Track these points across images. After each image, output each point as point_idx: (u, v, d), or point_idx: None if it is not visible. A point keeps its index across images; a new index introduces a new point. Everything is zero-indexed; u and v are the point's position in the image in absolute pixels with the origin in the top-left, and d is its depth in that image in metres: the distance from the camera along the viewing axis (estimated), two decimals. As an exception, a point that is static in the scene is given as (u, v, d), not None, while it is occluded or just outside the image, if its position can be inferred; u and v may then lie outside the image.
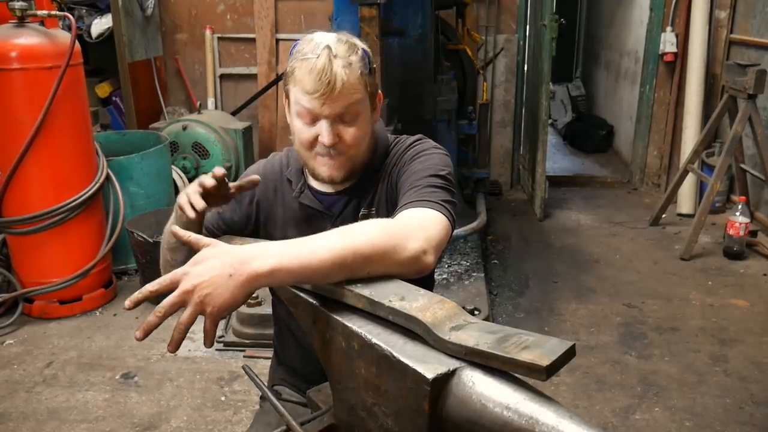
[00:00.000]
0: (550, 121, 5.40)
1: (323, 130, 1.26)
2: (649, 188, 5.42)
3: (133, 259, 3.71)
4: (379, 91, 1.36)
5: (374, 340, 0.91)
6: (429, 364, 0.85)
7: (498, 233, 4.58)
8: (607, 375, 2.87)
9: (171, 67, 5.33)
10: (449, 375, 0.84)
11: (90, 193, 3.34)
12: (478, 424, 0.81)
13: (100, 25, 4.49)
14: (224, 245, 1.00)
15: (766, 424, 2.52)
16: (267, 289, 1.20)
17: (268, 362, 1.71)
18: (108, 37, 4.49)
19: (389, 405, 0.92)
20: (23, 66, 3.07)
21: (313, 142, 1.29)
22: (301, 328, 1.18)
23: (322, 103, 1.22)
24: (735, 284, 3.71)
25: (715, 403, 2.66)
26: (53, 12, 3.21)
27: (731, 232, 3.98)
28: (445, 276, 3.57)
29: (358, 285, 1.01)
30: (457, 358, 0.86)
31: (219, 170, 1.23)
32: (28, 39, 3.09)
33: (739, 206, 3.94)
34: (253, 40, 5.18)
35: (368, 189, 1.39)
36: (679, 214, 4.74)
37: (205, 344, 0.98)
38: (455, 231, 1.30)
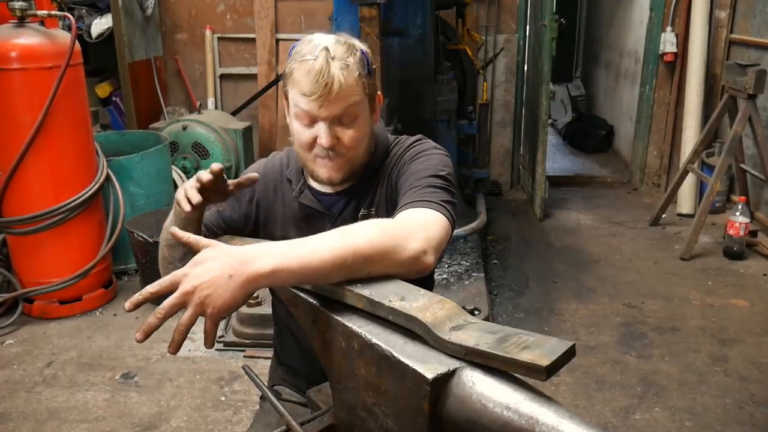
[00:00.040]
0: (550, 121, 5.40)
1: (321, 132, 1.25)
2: (649, 188, 5.42)
3: (133, 259, 3.71)
4: (379, 93, 1.36)
5: (374, 340, 0.91)
6: (429, 364, 0.85)
7: (498, 233, 4.58)
8: (607, 375, 2.87)
9: (171, 67, 5.33)
10: (449, 375, 0.84)
11: (90, 193, 3.34)
12: (478, 424, 0.81)
13: (100, 25, 4.49)
14: (224, 246, 1.00)
15: (766, 424, 2.52)
16: (267, 289, 1.20)
17: (268, 362, 1.71)
18: (108, 37, 4.49)
19: (389, 405, 0.92)
20: (23, 66, 3.07)
21: (312, 143, 1.29)
22: (301, 328, 1.18)
23: (320, 105, 1.22)
24: (735, 284, 3.71)
25: (715, 403, 2.66)
26: (53, 12, 3.21)
27: (731, 232, 3.98)
28: (445, 276, 3.57)
29: (358, 285, 1.01)
30: (457, 358, 0.86)
31: (216, 166, 1.23)
32: (28, 39, 3.10)
33: (739, 206, 3.94)
34: (253, 40, 5.18)
35: (368, 189, 1.39)
36: (679, 214, 4.74)
37: (205, 345, 0.97)
38: (455, 231, 1.30)
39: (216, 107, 5.23)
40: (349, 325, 0.96)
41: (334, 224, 1.26)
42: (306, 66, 1.21)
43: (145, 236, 3.38)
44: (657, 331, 3.22)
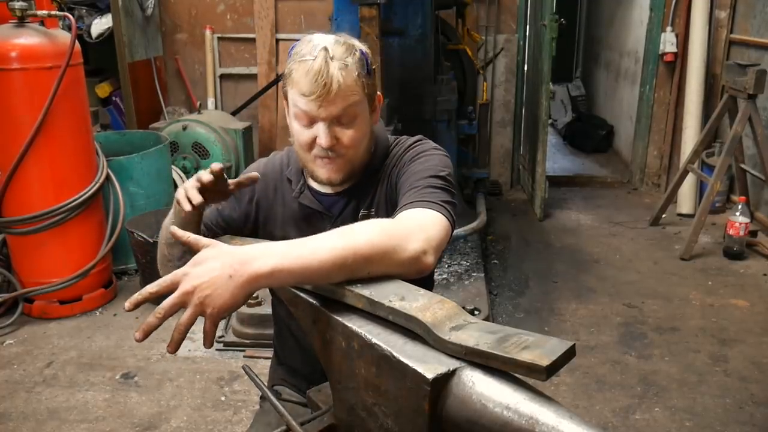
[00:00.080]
0: (550, 121, 5.40)
1: (320, 133, 1.25)
2: (649, 188, 5.42)
3: (133, 259, 3.71)
4: (378, 93, 1.36)
5: (374, 340, 0.91)
6: (429, 364, 0.85)
7: (498, 233, 4.58)
8: (607, 375, 2.87)
9: (171, 67, 5.33)
10: (449, 375, 0.84)
11: (90, 193, 3.34)
12: (478, 424, 0.81)
13: (100, 25, 4.49)
14: (224, 246, 1.00)
15: (766, 424, 2.52)
16: (267, 289, 1.20)
17: (268, 362, 1.71)
18: (108, 37, 4.49)
19: (389, 405, 0.92)
20: (23, 66, 3.07)
21: (311, 144, 1.28)
22: (301, 328, 1.18)
23: (319, 105, 1.22)
24: (735, 284, 3.71)
25: (715, 403, 2.66)
26: (53, 12, 3.21)
27: (731, 232, 3.98)
28: (445, 276, 3.57)
29: (358, 285, 1.01)
30: (457, 358, 0.86)
31: (217, 166, 1.23)
32: (28, 39, 3.10)
33: (739, 206, 3.94)
34: (253, 40, 5.18)
35: (368, 190, 1.39)
36: (679, 214, 4.74)
37: (204, 345, 0.97)
38: (455, 231, 1.30)
39: (216, 107, 5.23)
40: (349, 325, 0.96)
41: (334, 225, 1.26)
42: (305, 66, 1.21)
43: (145, 236, 3.38)
44: (657, 331, 3.22)
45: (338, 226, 1.07)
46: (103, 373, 2.92)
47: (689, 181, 4.61)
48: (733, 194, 4.64)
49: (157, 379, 2.87)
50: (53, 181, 3.24)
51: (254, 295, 2.97)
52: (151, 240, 3.34)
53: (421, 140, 1.41)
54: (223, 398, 2.73)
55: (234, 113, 5.03)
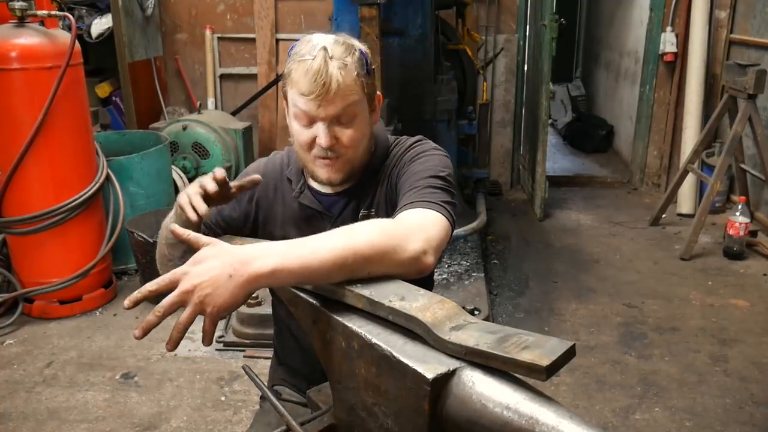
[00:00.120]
0: (550, 121, 5.40)
1: (320, 132, 1.25)
2: (649, 188, 5.42)
3: (133, 259, 3.71)
4: (378, 93, 1.36)
5: (374, 340, 0.91)
6: (429, 364, 0.85)
7: (498, 233, 4.58)
8: (607, 375, 2.87)
9: (171, 67, 5.33)
10: (449, 375, 0.84)
11: (90, 193, 3.34)
12: (478, 424, 0.81)
13: (100, 25, 4.49)
14: (224, 244, 1.00)
15: (766, 424, 2.52)
16: (267, 289, 1.20)
17: (268, 362, 1.71)
18: (108, 37, 4.49)
19: (389, 405, 0.92)
20: (23, 66, 3.07)
21: (311, 144, 1.28)
22: (301, 328, 1.18)
23: (318, 104, 1.22)
24: (735, 284, 3.71)
25: (715, 403, 2.66)
26: (53, 12, 3.21)
27: (731, 232, 3.98)
28: (445, 276, 3.57)
29: (358, 285, 1.01)
30: (457, 358, 0.86)
31: (220, 172, 1.22)
32: (28, 39, 3.09)
33: (739, 206, 3.94)
34: (253, 40, 5.18)
35: (368, 190, 1.39)
36: (679, 214, 4.74)
37: (203, 342, 0.98)
38: (455, 231, 1.30)
39: (216, 107, 5.23)
40: (349, 325, 0.96)
41: (334, 225, 1.26)
42: (304, 66, 1.21)
43: (145, 236, 3.38)
44: (657, 331, 3.22)
45: (338, 226, 1.07)
46: (103, 373, 2.92)
47: (689, 181, 4.61)
48: (733, 194, 4.64)
49: (157, 379, 2.87)
50: (53, 181, 3.24)
51: (254, 295, 2.98)
52: (151, 240, 3.34)
53: (421, 140, 1.41)
54: (223, 398, 2.73)
55: (234, 113, 5.03)
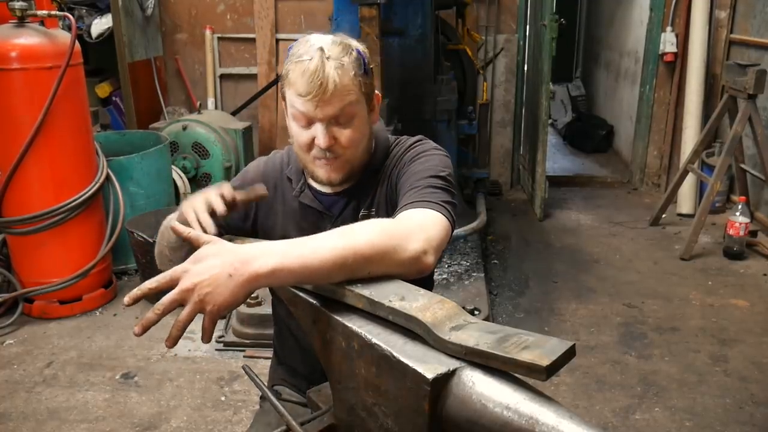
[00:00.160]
0: (550, 121, 5.40)
1: (318, 133, 1.25)
2: (649, 188, 5.42)
3: (133, 259, 3.71)
4: (377, 92, 1.36)
5: (374, 340, 0.91)
6: (429, 364, 0.85)
7: (498, 233, 4.58)
8: (607, 375, 2.87)
9: (171, 67, 5.33)
10: (449, 375, 0.84)
11: (90, 193, 3.34)
12: (478, 424, 0.81)
13: (100, 25, 4.49)
14: (225, 243, 1.00)
15: (766, 424, 2.52)
16: (267, 288, 1.20)
17: (268, 362, 1.71)
18: (108, 37, 4.49)
19: (389, 405, 0.92)
20: (23, 66, 3.07)
21: (310, 144, 1.29)
22: (301, 328, 1.18)
23: (316, 105, 1.22)
24: (735, 284, 3.71)
25: (715, 403, 2.66)
26: (53, 12, 3.21)
27: (731, 232, 3.98)
28: (445, 276, 3.57)
29: (358, 285, 1.01)
30: (457, 358, 0.86)
31: (228, 193, 1.21)
32: (28, 39, 3.09)
33: (739, 206, 3.94)
34: (253, 40, 5.18)
35: (368, 190, 1.39)
36: (679, 214, 4.74)
37: (202, 340, 0.98)
38: (455, 231, 1.30)
39: (216, 107, 5.23)
40: (349, 325, 0.96)
41: (334, 224, 1.26)
42: (301, 66, 1.21)
43: (145, 236, 3.38)
44: (657, 331, 3.22)
45: (338, 226, 1.07)
46: (103, 373, 2.92)
47: (689, 181, 4.61)
48: (733, 194, 4.64)
49: (157, 379, 2.87)
50: (53, 181, 3.24)
51: (254, 295, 2.98)
52: (151, 240, 3.34)
53: (421, 140, 1.41)
54: (223, 398, 2.73)
55: (234, 113, 5.03)
